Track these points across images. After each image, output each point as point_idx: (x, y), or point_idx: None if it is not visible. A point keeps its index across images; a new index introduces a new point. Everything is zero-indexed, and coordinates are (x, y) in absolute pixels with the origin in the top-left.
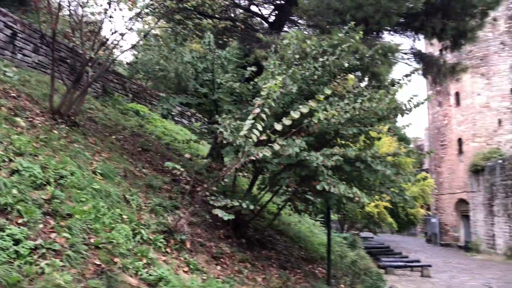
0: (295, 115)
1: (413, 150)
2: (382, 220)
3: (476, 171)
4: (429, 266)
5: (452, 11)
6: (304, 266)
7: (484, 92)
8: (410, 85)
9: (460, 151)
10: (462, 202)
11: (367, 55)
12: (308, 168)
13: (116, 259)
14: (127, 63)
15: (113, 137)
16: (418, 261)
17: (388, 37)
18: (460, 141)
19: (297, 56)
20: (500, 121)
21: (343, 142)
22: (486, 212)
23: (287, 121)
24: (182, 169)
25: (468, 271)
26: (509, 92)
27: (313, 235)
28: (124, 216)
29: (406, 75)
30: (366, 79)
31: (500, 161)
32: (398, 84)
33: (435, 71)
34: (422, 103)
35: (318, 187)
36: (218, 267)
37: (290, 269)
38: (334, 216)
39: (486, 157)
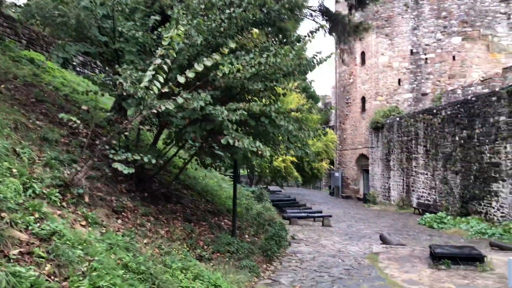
0: (199, 68)
1: (315, 106)
2: (289, 174)
3: (376, 128)
4: (330, 216)
5: None
6: (210, 219)
7: (387, 52)
8: (321, 43)
9: (363, 109)
10: (363, 157)
11: (274, 9)
12: (213, 122)
13: (3, 214)
14: (19, 6)
15: (2, 86)
16: (320, 212)
17: None
18: (363, 99)
19: (202, 6)
20: (400, 81)
21: (249, 97)
22: (383, 166)
23: (190, 74)
24: (78, 121)
25: (365, 220)
26: (409, 53)
27: (221, 189)
28: (14, 170)
29: (311, 32)
30: (273, 34)
31: (397, 118)
32: (303, 41)
33: (341, 29)
34: (325, 60)
35: (223, 141)
36: (119, 221)
37: (195, 222)
38: (243, 171)
39: (386, 114)
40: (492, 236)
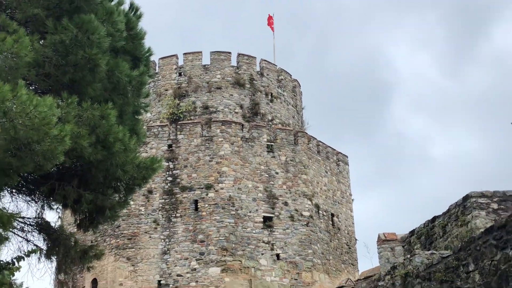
0: None
1: None
2: None
3: None
4: None
5: (93, 180)
6: None
7: (128, 283)
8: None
9: None
10: None
11: None
12: None
13: None
14: None
15: None
16: None
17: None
18: None
19: None
20: None
21: None
22: None
23: None
24: None
25: None
26: (156, 285)
27: None
28: None
29: (19, 257)
30: None
31: None
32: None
33: (63, 253)
34: None
35: None
36: None
37: None
38: None
39: None
40: None
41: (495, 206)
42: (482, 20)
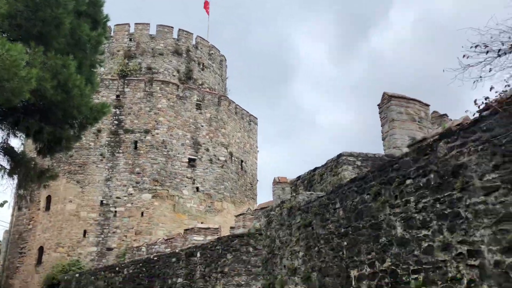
0: None
1: None
2: None
3: (52, 285)
4: None
5: (53, 116)
6: None
7: (76, 200)
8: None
9: (40, 261)
10: None
11: None
12: None
13: None
14: None
15: None
16: None
17: None
18: (41, 250)
19: None
20: (85, 232)
21: None
22: None
23: None
24: None
25: None
26: (99, 204)
27: None
28: None
29: None
30: None
31: (77, 275)
32: None
33: (23, 172)
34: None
35: None
36: None
37: None
38: None
39: (65, 269)
40: None
41: (359, 163)
42: (363, 24)
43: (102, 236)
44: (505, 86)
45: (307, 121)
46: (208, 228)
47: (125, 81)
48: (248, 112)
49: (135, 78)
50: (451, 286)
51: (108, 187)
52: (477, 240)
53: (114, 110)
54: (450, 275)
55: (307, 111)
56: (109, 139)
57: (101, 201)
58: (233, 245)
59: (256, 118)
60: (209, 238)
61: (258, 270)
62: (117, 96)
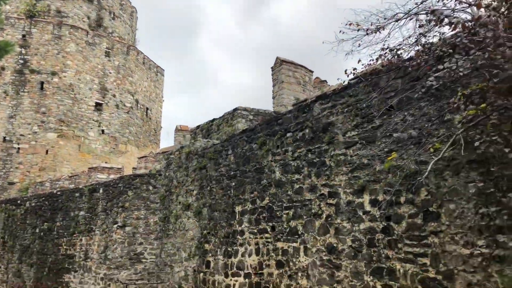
0: None
1: None
2: None
3: None
4: None
5: None
6: None
7: None
8: None
9: None
10: None
11: None
12: None
13: None
14: None
15: None
16: None
17: None
18: None
19: None
20: None
21: None
22: None
23: None
24: None
25: None
26: (1, 140)
27: None
28: None
29: None
30: None
31: None
32: None
33: None
34: None
35: None
36: None
37: None
38: None
39: None
40: None
41: (251, 117)
42: None
43: (4, 170)
44: (370, 60)
45: (212, 77)
46: (112, 168)
47: (32, 22)
48: (155, 64)
49: (43, 20)
50: (313, 219)
51: (11, 124)
52: (336, 184)
53: (19, 49)
54: (313, 211)
55: (211, 67)
56: (14, 77)
57: (4, 137)
58: (134, 183)
59: (163, 70)
60: (112, 176)
61: (156, 205)
62: (23, 35)
